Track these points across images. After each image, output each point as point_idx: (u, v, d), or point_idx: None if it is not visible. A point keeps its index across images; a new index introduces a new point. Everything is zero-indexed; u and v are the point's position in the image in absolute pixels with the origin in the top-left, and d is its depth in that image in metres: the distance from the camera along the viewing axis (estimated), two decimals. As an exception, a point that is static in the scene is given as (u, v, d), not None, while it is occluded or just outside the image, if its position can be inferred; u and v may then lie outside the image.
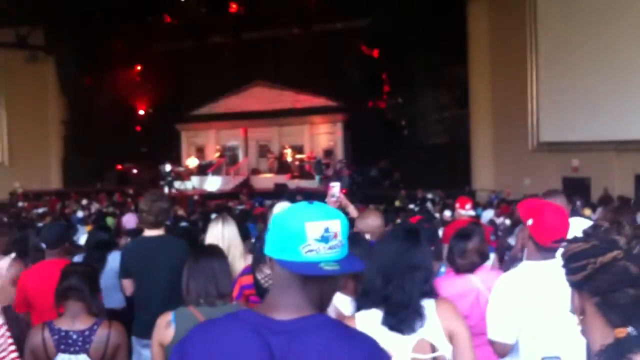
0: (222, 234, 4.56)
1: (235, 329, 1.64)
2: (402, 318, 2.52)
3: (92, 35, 27.79)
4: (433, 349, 2.56)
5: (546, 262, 2.99)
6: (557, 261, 2.99)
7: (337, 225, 1.63)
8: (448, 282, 4.02)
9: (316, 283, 1.65)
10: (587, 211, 10.36)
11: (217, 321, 1.74)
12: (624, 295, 1.42)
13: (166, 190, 26.03)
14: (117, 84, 29.04)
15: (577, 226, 4.32)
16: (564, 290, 2.73)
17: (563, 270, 1.59)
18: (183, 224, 10.54)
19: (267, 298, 1.72)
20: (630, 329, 1.41)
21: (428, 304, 2.61)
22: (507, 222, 10.16)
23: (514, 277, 3.11)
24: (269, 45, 28.29)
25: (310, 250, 1.59)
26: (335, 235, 1.61)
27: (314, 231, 1.59)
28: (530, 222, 3.08)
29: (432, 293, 2.68)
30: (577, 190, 15.74)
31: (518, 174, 20.51)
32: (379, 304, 2.58)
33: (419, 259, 2.63)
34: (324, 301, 1.70)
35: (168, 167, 27.35)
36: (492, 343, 3.10)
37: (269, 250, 1.67)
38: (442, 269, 4.86)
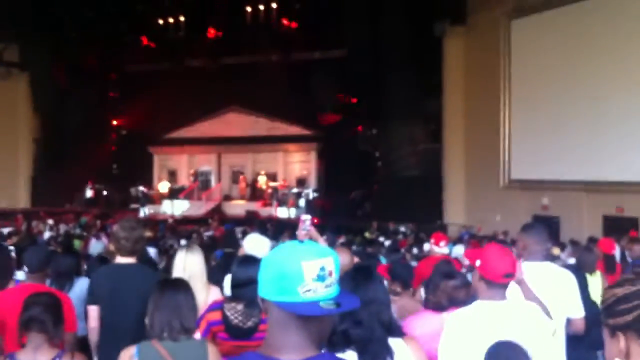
0: (184, 264, 4.47)
1: None
2: (373, 353, 2.52)
3: (68, 53, 27.63)
4: None
5: (497, 302, 3.08)
6: (507, 303, 3.11)
7: (331, 263, 1.64)
8: (421, 321, 4.00)
9: (315, 322, 1.65)
10: (556, 250, 10.42)
11: None
12: None
13: (141, 213, 25.83)
14: (91, 104, 28.81)
15: (549, 270, 4.36)
16: (510, 333, 2.77)
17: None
18: (151, 248, 10.41)
19: (267, 339, 1.70)
20: None
21: (397, 343, 2.61)
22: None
23: (467, 314, 3.15)
24: (246, 71, 28.35)
25: (308, 290, 1.60)
26: (331, 274, 1.63)
27: (311, 271, 1.60)
28: (478, 263, 3.18)
29: (396, 330, 2.69)
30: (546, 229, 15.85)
31: (489, 210, 20.67)
32: (346, 346, 2.56)
33: (370, 294, 2.63)
34: (322, 340, 1.72)
35: (141, 189, 27.11)
36: None
37: (264, 292, 1.67)
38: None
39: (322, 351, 1.73)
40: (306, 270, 1.60)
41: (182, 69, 29.51)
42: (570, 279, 4.34)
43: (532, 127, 20.12)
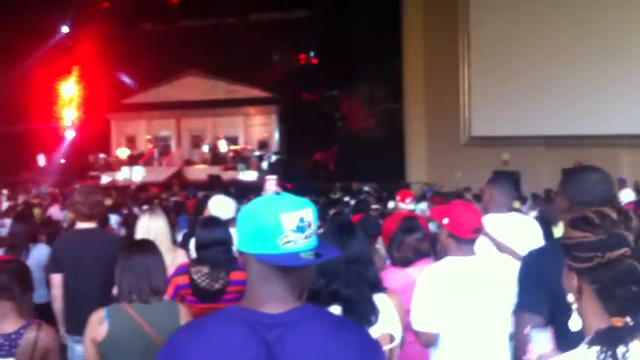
0: (148, 227, 4.42)
1: (228, 326, 1.63)
2: (359, 312, 2.53)
3: (19, 14, 26.70)
4: (391, 339, 2.61)
5: (468, 258, 3.13)
6: (478, 258, 3.13)
7: (309, 214, 1.63)
8: (388, 277, 4.02)
9: (295, 273, 1.65)
10: (517, 203, 10.58)
11: (206, 321, 1.70)
12: (627, 290, 1.43)
13: (103, 180, 25.47)
14: (45, 69, 28.01)
15: (515, 221, 4.41)
16: (484, 287, 2.80)
17: (563, 255, 1.58)
18: (113, 215, 10.27)
19: (248, 293, 1.68)
20: (628, 319, 1.43)
21: (382, 298, 2.62)
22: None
23: (437, 270, 3.18)
24: (203, 34, 27.83)
25: (288, 242, 1.59)
26: (309, 225, 1.62)
27: (290, 222, 1.59)
28: (446, 221, 3.20)
29: (379, 285, 2.72)
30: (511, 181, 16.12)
31: (450, 168, 20.89)
32: (331, 302, 2.56)
33: (356, 251, 2.64)
34: (303, 291, 1.71)
35: (102, 156, 26.71)
36: (416, 334, 3.16)
37: (243, 245, 1.65)
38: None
39: (304, 302, 1.72)
40: (285, 221, 1.59)
41: (138, 32, 28.82)
42: (537, 228, 4.41)
43: (492, 84, 20.31)
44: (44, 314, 4.42)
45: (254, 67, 26.65)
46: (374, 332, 2.55)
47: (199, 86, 29.14)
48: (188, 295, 3.77)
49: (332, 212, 9.73)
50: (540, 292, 2.40)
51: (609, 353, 1.40)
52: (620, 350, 1.39)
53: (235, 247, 1.65)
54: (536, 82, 18.92)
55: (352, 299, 2.54)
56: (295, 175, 24.36)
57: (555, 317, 2.28)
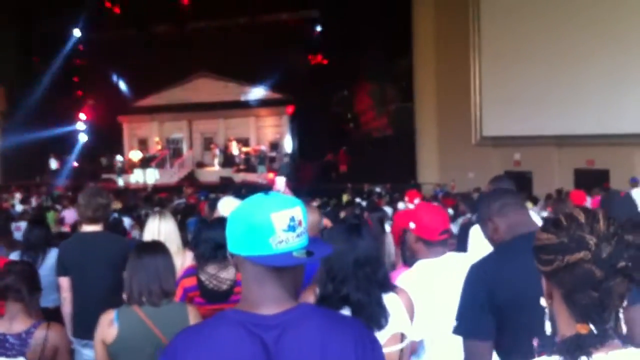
0: (158, 229, 4.43)
1: (226, 329, 1.62)
2: (369, 316, 2.49)
3: (34, 20, 26.93)
4: (402, 338, 2.58)
5: (439, 259, 3.11)
6: (449, 257, 3.12)
7: (299, 213, 1.63)
8: (400, 277, 4.03)
9: (290, 273, 1.66)
10: (529, 204, 10.56)
11: (204, 325, 1.71)
12: (586, 296, 1.40)
13: (119, 182, 25.60)
14: (58, 73, 28.19)
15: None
16: (455, 287, 2.78)
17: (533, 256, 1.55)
18: (126, 218, 10.30)
19: (244, 295, 1.69)
20: (591, 327, 1.39)
21: (391, 298, 2.59)
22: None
23: (410, 276, 3.15)
24: (214, 36, 27.91)
25: (281, 242, 1.59)
26: (300, 223, 1.62)
27: (281, 221, 1.59)
28: (412, 225, 3.19)
29: (389, 285, 2.67)
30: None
31: (462, 168, 20.81)
32: (341, 306, 2.53)
33: (364, 253, 2.60)
34: (297, 289, 1.72)
35: (119, 158, 26.89)
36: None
37: (235, 248, 1.65)
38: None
39: (299, 301, 1.73)
40: (276, 221, 1.59)
41: (149, 35, 28.94)
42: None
43: (503, 84, 20.20)
44: (54, 317, 4.46)
45: (265, 69, 26.65)
46: (385, 332, 2.52)
47: (210, 88, 29.23)
48: (196, 297, 3.77)
49: (342, 214, 9.73)
50: (483, 311, 2.38)
51: None
52: None
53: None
54: (547, 81, 18.81)
55: (362, 302, 2.52)
56: (307, 177, 24.40)
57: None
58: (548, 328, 1.54)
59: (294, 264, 1.61)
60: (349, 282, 2.54)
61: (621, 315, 1.42)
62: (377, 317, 2.51)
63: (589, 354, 1.36)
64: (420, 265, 3.15)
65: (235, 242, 1.65)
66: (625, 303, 1.43)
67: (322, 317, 1.69)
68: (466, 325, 2.43)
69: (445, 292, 2.92)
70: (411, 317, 2.65)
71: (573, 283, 1.41)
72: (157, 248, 3.39)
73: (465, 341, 2.43)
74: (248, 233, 1.61)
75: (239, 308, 1.67)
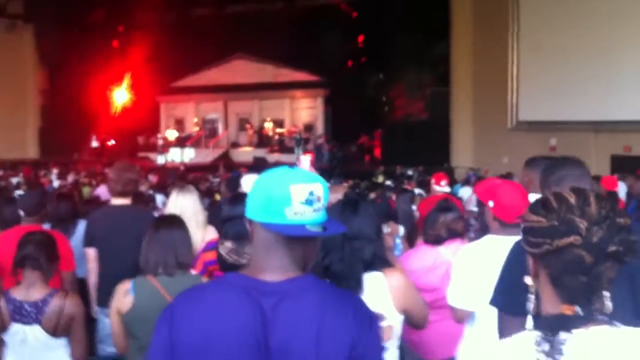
0: (176, 204, 4.49)
1: (225, 292, 1.66)
2: (344, 289, 2.48)
3: (73, 3, 27.26)
4: (381, 318, 2.55)
5: (510, 237, 2.99)
6: (516, 238, 3.06)
7: (320, 189, 1.65)
8: (419, 255, 4.05)
9: (301, 245, 1.68)
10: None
11: (204, 287, 1.76)
12: (575, 280, 1.39)
13: (160, 160, 25.90)
14: (97, 53, 28.57)
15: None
16: None
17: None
18: (159, 195, 10.45)
19: (252, 261, 1.72)
20: (577, 309, 1.39)
21: (375, 278, 2.58)
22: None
23: (477, 248, 3.15)
24: (252, 19, 27.96)
25: (296, 213, 1.61)
26: (319, 199, 1.64)
27: (299, 194, 1.62)
28: (491, 204, 3.14)
29: (379, 264, 2.65)
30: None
31: (496, 153, 20.57)
32: (322, 276, 2.53)
33: (356, 229, 2.60)
34: (307, 263, 1.73)
35: (164, 135, 27.16)
36: (451, 309, 3.17)
37: (251, 213, 1.69)
38: (398, 240, 4.86)
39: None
40: (294, 193, 1.61)
41: (188, 17, 29.12)
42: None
43: (540, 69, 19.89)
44: (82, 287, 4.59)
45: (301, 51, 26.65)
46: None
47: (246, 69, 29.35)
48: (216, 271, 3.83)
49: (372, 195, 9.72)
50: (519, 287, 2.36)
51: (549, 339, 1.36)
52: (561, 337, 1.35)
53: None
54: (585, 67, 18.47)
55: (341, 274, 2.51)
56: (341, 159, 24.42)
57: None
58: (530, 307, 1.52)
59: (305, 234, 1.63)
60: (334, 254, 2.54)
61: (607, 294, 1.40)
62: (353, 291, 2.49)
63: (570, 332, 1.36)
64: (489, 239, 3.14)
65: (253, 209, 1.68)
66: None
67: (324, 289, 1.71)
68: (502, 299, 2.42)
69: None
70: (400, 298, 2.61)
71: (562, 267, 1.40)
72: (174, 221, 3.45)
73: (499, 314, 2.43)
74: (266, 201, 1.64)
75: (245, 273, 1.70)
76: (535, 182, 4.43)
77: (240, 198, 3.95)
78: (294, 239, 1.65)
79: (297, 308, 1.62)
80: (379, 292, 2.56)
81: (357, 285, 2.53)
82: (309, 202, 1.62)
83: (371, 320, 1.72)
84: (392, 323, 2.59)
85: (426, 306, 2.80)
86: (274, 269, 1.66)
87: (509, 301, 2.37)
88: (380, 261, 2.67)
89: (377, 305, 2.54)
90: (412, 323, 2.76)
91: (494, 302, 2.45)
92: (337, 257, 2.54)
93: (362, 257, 2.58)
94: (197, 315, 1.64)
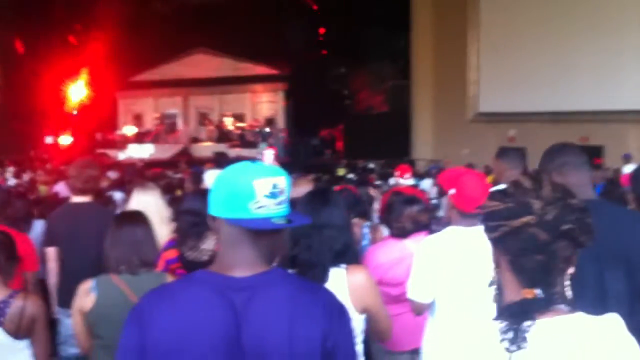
0: (137, 200, 4.43)
1: (195, 290, 1.65)
2: (311, 278, 2.45)
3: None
4: None
5: (469, 228, 3.06)
6: (481, 228, 3.09)
7: (283, 182, 1.66)
8: (385, 248, 4.04)
9: (267, 238, 1.68)
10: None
11: (173, 285, 1.75)
12: (531, 260, 1.41)
13: (120, 156, 25.50)
14: (53, 48, 27.98)
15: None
16: (485, 257, 2.75)
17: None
18: (118, 192, 10.28)
19: (219, 257, 1.71)
20: (538, 292, 1.41)
21: (338, 272, 2.55)
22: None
23: (437, 240, 3.16)
24: (211, 12, 27.68)
25: (261, 207, 1.61)
26: (282, 192, 1.65)
27: (263, 188, 1.62)
28: (452, 191, 3.16)
29: (350, 256, 2.63)
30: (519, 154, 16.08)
31: (457, 144, 20.80)
32: (289, 267, 2.51)
33: (325, 218, 2.58)
34: (274, 256, 1.74)
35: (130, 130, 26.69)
36: (410, 301, 3.17)
37: (215, 210, 1.68)
38: (365, 230, 4.86)
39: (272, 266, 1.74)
40: (258, 187, 1.61)
41: (146, 11, 28.69)
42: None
43: (499, 61, 20.21)
44: (41, 288, 4.48)
45: (262, 45, 26.48)
46: None
47: (206, 64, 29.09)
48: (178, 269, 3.78)
49: (336, 188, 9.70)
50: None
51: (513, 327, 1.39)
52: (526, 324, 1.38)
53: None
54: (543, 58, 18.82)
55: (308, 263, 2.49)
56: (302, 153, 24.39)
57: None
58: (491, 297, 1.54)
59: (272, 228, 1.62)
60: (302, 243, 2.52)
61: (567, 282, 1.44)
62: (319, 281, 2.44)
63: (533, 319, 1.38)
64: (449, 230, 3.15)
65: (217, 205, 1.67)
66: (571, 269, 1.44)
67: (293, 282, 1.71)
68: None
69: (464, 261, 2.92)
70: (360, 297, 2.55)
71: (518, 247, 1.43)
72: (137, 218, 3.40)
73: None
74: (229, 196, 1.63)
75: (213, 269, 1.69)
76: (506, 173, 4.47)
77: (202, 194, 3.90)
78: (260, 233, 1.65)
79: (267, 303, 1.62)
80: (338, 288, 2.51)
81: (323, 274, 2.49)
82: (272, 195, 1.62)
83: (341, 311, 1.73)
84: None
85: (388, 315, 2.74)
86: (242, 264, 1.66)
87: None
88: (352, 253, 2.66)
89: None
90: (376, 329, 2.69)
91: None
92: (305, 246, 2.52)
93: (333, 246, 2.56)
94: (167, 315, 1.62)
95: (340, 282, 2.53)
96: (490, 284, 1.56)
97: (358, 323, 2.57)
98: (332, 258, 2.54)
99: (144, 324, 1.63)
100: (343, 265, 2.57)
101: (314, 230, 2.52)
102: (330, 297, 1.74)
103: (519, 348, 1.37)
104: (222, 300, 1.61)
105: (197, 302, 1.62)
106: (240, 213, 1.61)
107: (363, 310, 2.57)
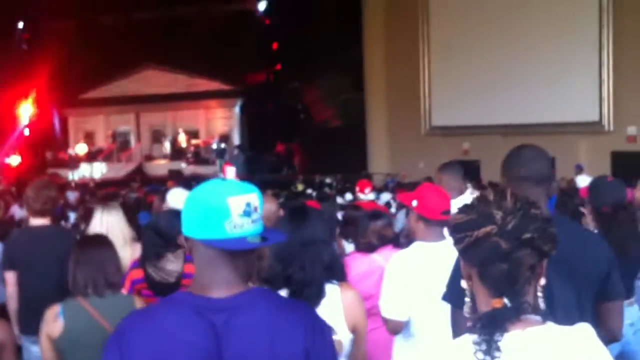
0: (101, 222, 4.35)
1: (175, 312, 1.62)
2: (308, 296, 2.44)
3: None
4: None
5: (437, 243, 3.10)
6: (447, 242, 3.07)
7: (256, 199, 1.63)
8: (353, 263, 4.04)
9: (243, 257, 1.65)
10: (476, 193, 10.68)
11: (153, 308, 1.74)
12: (496, 269, 1.44)
13: (70, 176, 24.97)
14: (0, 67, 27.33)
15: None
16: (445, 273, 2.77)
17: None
18: (71, 214, 10.09)
19: (196, 279, 1.68)
20: (506, 301, 1.44)
21: (332, 289, 2.54)
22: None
23: (407, 256, 3.18)
24: (162, 27, 27.47)
25: (235, 226, 1.58)
26: (256, 209, 1.62)
27: (237, 206, 1.59)
28: (414, 203, 3.20)
29: (338, 270, 2.62)
30: (467, 173, 16.28)
31: (412, 158, 21.00)
32: (282, 286, 2.49)
33: (309, 234, 2.57)
34: (250, 274, 1.72)
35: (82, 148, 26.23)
36: (385, 321, 3.16)
37: (189, 230, 1.64)
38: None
39: (250, 285, 1.72)
40: (232, 205, 1.58)
41: (95, 25, 28.27)
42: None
43: (451, 74, 20.52)
44: (4, 314, 4.33)
45: (214, 60, 26.37)
46: None
47: (158, 79, 28.81)
48: (144, 290, 3.71)
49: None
50: None
51: (485, 338, 1.40)
52: (498, 335, 1.40)
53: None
54: (495, 72, 19.24)
55: (303, 281, 2.47)
56: (258, 169, 24.29)
57: None
58: (467, 309, 1.56)
59: (247, 248, 1.61)
60: (294, 263, 2.50)
61: (539, 293, 1.48)
62: (313, 297, 2.44)
63: (504, 330, 1.40)
64: (417, 246, 3.17)
65: (190, 225, 1.64)
66: (543, 280, 1.48)
67: (273, 301, 1.70)
68: (453, 294, 2.41)
69: (435, 278, 2.88)
70: (351, 315, 2.54)
71: (482, 257, 1.46)
72: (100, 240, 3.35)
73: (451, 309, 2.45)
74: (203, 216, 1.60)
75: (191, 291, 1.66)
76: (447, 185, 4.57)
77: (168, 215, 3.84)
78: (236, 252, 1.62)
79: (248, 322, 1.60)
80: (333, 305, 2.51)
81: (319, 291, 2.48)
82: (247, 214, 1.60)
83: (322, 329, 1.72)
84: (342, 339, 2.54)
85: (365, 344, 2.70)
86: (220, 285, 1.63)
87: (460, 297, 2.40)
88: (340, 267, 2.65)
89: (329, 319, 2.50)
90: (355, 356, 2.61)
91: (445, 297, 2.48)
92: (297, 266, 2.49)
93: (322, 259, 2.54)
94: (149, 338, 1.59)
95: (335, 298, 2.52)
96: (465, 296, 1.58)
97: (347, 342, 2.55)
98: (324, 274, 2.52)
99: (125, 347, 1.60)
100: (335, 282, 2.56)
101: (303, 247, 2.51)
102: (311, 315, 1.73)
103: (493, 359, 1.39)
104: (203, 321, 1.59)
105: (177, 324, 1.60)
106: (215, 233, 1.58)
107: (353, 329, 2.55)
